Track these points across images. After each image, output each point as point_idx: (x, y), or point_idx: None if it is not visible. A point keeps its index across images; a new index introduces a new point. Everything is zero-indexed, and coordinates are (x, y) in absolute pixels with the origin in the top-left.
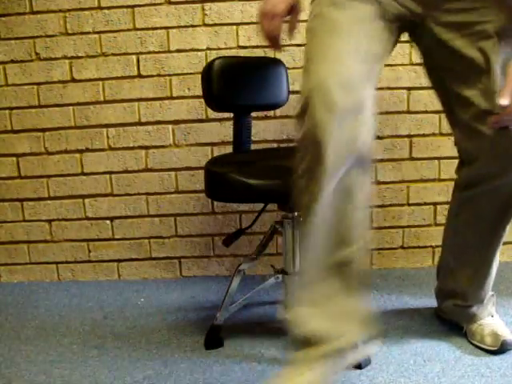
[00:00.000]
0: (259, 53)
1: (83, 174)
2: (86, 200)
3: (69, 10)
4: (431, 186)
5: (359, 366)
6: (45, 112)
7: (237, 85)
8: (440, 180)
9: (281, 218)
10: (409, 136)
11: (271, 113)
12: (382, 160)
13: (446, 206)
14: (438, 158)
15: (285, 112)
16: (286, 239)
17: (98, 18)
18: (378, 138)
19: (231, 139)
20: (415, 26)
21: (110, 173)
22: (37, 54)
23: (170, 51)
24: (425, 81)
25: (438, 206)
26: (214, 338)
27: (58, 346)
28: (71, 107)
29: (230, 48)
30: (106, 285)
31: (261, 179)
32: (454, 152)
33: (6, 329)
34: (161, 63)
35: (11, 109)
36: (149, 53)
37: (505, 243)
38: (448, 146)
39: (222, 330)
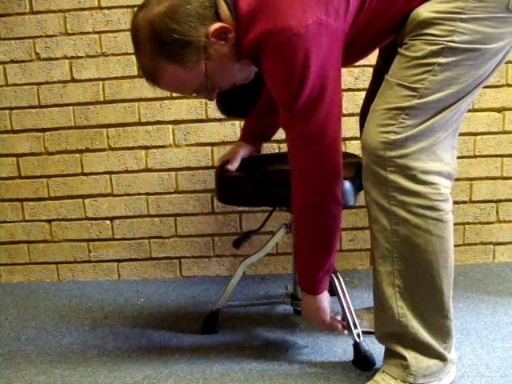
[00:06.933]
0: None
1: (83, 174)
2: (86, 200)
3: (69, 10)
4: None
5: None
6: (45, 112)
7: (240, 87)
8: None
9: (290, 221)
10: None
11: None
12: None
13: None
14: None
15: None
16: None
17: (98, 17)
18: None
19: (231, 139)
20: None
21: (110, 173)
22: (37, 54)
23: None
24: None
25: None
26: (210, 324)
27: (58, 346)
28: (71, 107)
29: None
30: (106, 285)
31: (271, 184)
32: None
33: (5, 329)
34: None
35: (11, 109)
36: None
37: (505, 243)
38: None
39: (219, 317)
